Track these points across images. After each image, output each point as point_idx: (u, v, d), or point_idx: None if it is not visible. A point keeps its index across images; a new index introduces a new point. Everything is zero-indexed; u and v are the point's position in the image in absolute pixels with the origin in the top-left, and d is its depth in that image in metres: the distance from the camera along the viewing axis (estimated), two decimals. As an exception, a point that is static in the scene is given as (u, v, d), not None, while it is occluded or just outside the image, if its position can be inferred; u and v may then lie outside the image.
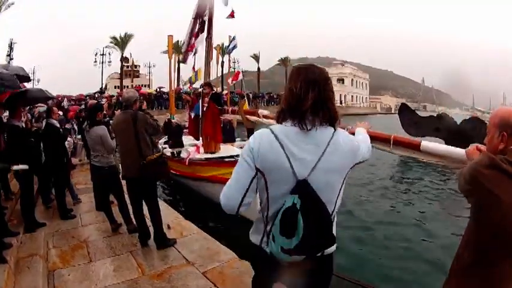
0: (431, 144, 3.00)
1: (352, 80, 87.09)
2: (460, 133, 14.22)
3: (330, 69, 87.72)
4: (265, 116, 4.99)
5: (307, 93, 1.47)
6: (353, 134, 2.02)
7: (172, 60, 10.13)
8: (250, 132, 5.70)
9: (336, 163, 1.50)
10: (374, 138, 3.32)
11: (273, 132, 1.50)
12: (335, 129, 1.53)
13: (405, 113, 19.28)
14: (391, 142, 3.19)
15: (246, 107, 6.16)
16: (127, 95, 4.43)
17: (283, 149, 1.46)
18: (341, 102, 71.33)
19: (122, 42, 48.64)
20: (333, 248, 1.63)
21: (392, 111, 70.98)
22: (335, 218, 1.61)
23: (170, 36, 9.62)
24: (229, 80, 13.42)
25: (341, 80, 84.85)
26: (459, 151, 2.60)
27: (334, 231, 1.58)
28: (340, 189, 1.55)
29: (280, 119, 1.57)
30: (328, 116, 1.51)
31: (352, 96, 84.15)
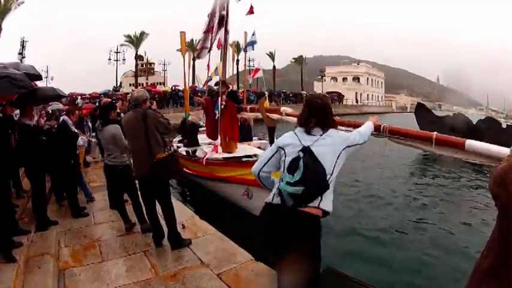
0: (478, 143, 2.78)
1: (367, 78, 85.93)
2: (476, 133, 14.06)
3: (346, 68, 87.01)
4: (288, 114, 4.73)
5: (310, 119, 2.38)
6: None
7: (186, 58, 9.89)
8: (272, 130, 5.50)
9: (328, 143, 2.30)
10: (414, 137, 3.15)
11: (294, 131, 2.45)
12: (329, 128, 2.39)
13: (421, 112, 19.16)
14: (433, 141, 2.97)
15: (267, 104, 5.83)
16: (136, 94, 4.34)
17: (297, 136, 2.37)
18: (357, 101, 70.23)
19: (136, 40, 48.87)
20: (326, 207, 2.25)
21: (408, 110, 70.28)
22: (332, 183, 2.27)
23: (183, 33, 9.35)
24: (248, 77, 12.98)
25: (356, 79, 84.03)
26: (507, 151, 2.39)
27: (331, 196, 2.28)
28: (336, 161, 2.28)
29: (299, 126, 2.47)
30: (327, 127, 2.38)
31: (367, 94, 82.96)
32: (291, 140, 2.35)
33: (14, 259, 3.37)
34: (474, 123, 16.50)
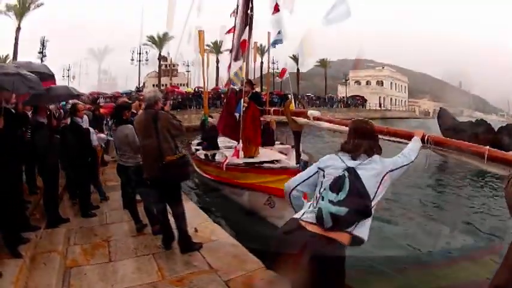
0: None
1: (391, 82, 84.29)
2: (500, 141, 13.67)
3: (369, 72, 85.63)
4: (316, 118, 4.47)
5: (360, 145, 2.31)
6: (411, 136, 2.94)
7: (205, 58, 9.71)
8: (297, 135, 5.24)
9: (372, 167, 2.24)
10: (463, 150, 2.79)
11: (336, 153, 2.39)
12: (373, 155, 2.32)
13: (444, 117, 18.66)
14: (486, 157, 2.55)
15: (293, 107, 5.54)
16: (148, 95, 4.33)
17: (340, 158, 2.31)
18: (380, 105, 68.75)
19: (159, 41, 49.13)
20: (362, 234, 2.12)
21: (430, 116, 68.54)
22: (373, 209, 2.16)
23: (201, 32, 9.09)
24: (277, 78, 12.70)
25: (380, 82, 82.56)
26: None
27: (368, 222, 2.15)
28: (379, 186, 2.21)
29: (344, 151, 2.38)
30: (373, 153, 2.32)
31: (391, 99, 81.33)
32: (332, 162, 2.31)
33: (20, 255, 3.35)
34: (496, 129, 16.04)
